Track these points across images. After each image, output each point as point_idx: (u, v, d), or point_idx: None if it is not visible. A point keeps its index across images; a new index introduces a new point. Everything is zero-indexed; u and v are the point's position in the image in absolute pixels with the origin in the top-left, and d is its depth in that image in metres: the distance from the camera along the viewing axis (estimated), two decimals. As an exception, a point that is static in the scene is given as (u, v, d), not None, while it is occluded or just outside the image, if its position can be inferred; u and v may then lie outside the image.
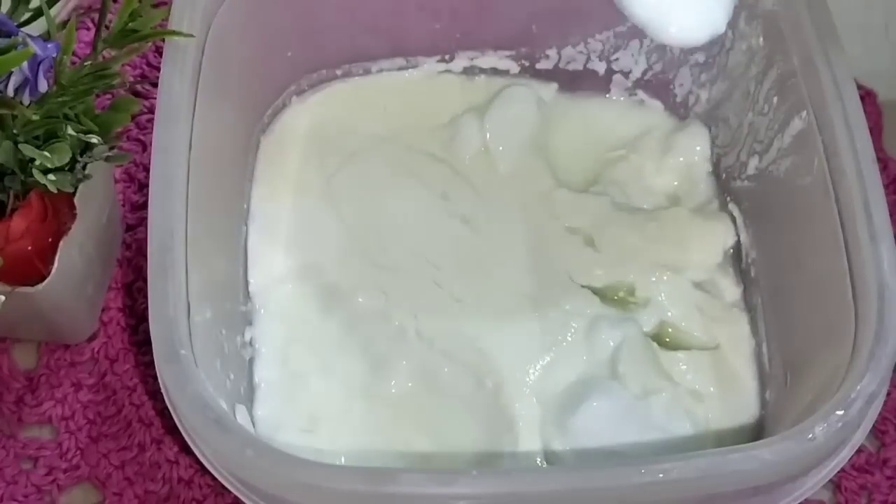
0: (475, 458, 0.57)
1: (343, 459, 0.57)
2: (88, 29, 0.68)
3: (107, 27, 0.52)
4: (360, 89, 0.67)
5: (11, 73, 0.48)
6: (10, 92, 0.49)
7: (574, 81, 0.68)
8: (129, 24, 0.51)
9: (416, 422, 0.58)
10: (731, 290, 0.62)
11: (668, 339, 0.61)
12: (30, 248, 0.54)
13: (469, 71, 0.68)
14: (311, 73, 0.66)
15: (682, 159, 0.66)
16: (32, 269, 0.54)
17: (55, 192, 0.52)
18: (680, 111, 0.67)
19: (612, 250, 0.63)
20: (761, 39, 0.60)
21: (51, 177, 0.52)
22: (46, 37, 0.50)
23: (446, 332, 0.60)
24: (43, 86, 0.50)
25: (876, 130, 0.69)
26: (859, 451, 0.55)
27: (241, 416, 0.55)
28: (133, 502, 0.58)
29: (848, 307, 0.50)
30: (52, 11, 0.51)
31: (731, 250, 0.63)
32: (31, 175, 0.52)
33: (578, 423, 0.57)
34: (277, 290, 0.61)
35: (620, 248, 0.63)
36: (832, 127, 0.53)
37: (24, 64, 0.48)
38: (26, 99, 0.50)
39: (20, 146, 0.51)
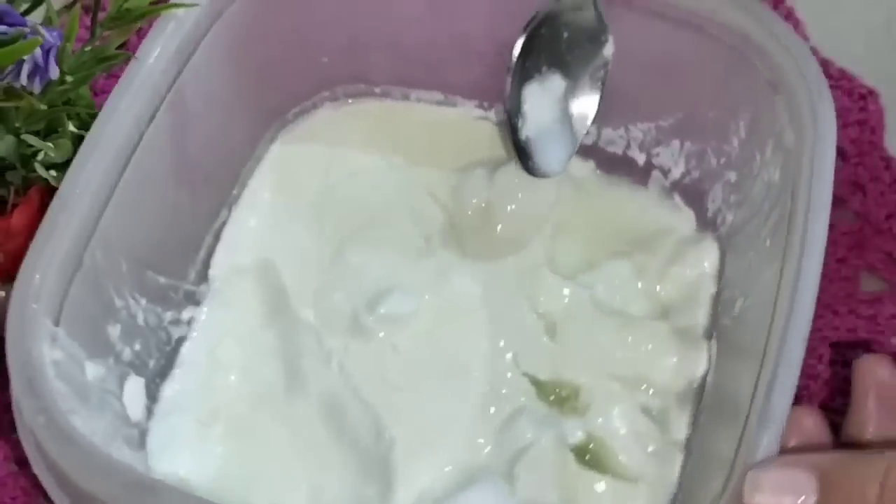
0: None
1: (216, 462, 0.56)
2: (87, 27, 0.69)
3: (103, 9, 0.53)
4: (393, 112, 0.66)
5: (23, 61, 0.49)
6: (24, 80, 0.50)
7: (612, 164, 0.65)
8: (125, 5, 0.53)
9: (303, 450, 0.57)
10: (679, 428, 0.57)
11: (588, 456, 0.57)
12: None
13: (505, 124, 0.65)
14: (349, 84, 0.66)
15: (686, 274, 0.61)
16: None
17: (57, 187, 0.53)
18: (709, 227, 0.62)
19: (571, 347, 0.59)
20: (777, 174, 0.55)
21: (52, 172, 0.53)
22: (47, 24, 0.51)
23: (368, 373, 0.58)
24: (55, 72, 0.50)
25: (878, 129, 0.67)
26: None
27: (133, 387, 0.55)
28: None
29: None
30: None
31: (696, 385, 0.58)
32: (33, 170, 0.53)
33: (449, 510, 0.54)
34: (234, 282, 0.61)
35: (581, 347, 0.59)
36: (782, 296, 0.49)
37: (37, 52, 0.49)
38: (37, 87, 0.50)
39: (23, 137, 0.52)
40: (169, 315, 0.59)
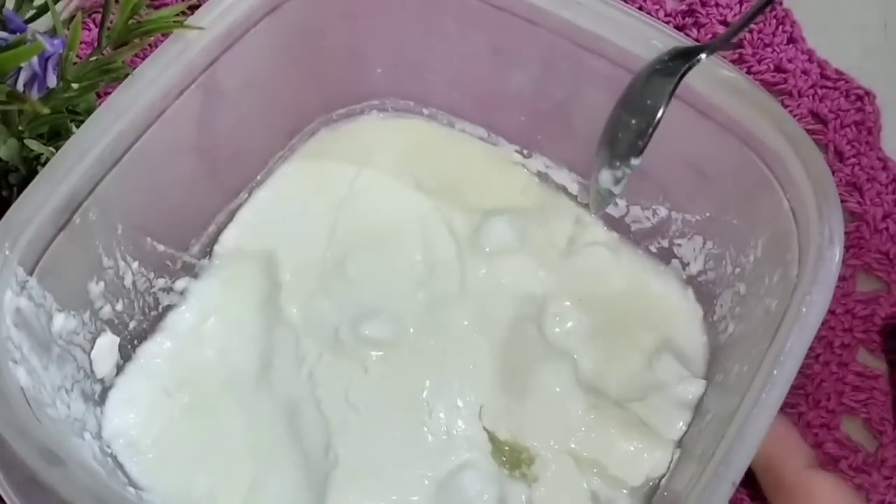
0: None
1: (168, 435, 0.57)
2: (89, 30, 0.69)
3: (108, 28, 0.53)
4: (436, 136, 0.66)
5: (21, 68, 0.50)
6: (20, 87, 0.51)
7: (637, 241, 0.63)
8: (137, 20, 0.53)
9: (256, 443, 0.58)
10: (627, 522, 0.57)
11: (524, 525, 0.56)
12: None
13: (542, 176, 0.65)
14: (399, 98, 0.66)
15: (673, 372, 0.60)
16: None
17: None
18: (711, 331, 0.61)
19: (538, 413, 0.58)
20: (775, 305, 0.53)
21: None
22: (51, 33, 0.52)
23: (333, 387, 0.59)
24: (52, 80, 0.51)
25: (875, 130, 0.68)
26: (856, 451, 0.60)
27: (105, 343, 0.56)
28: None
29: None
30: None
31: (653, 483, 0.57)
32: (36, 172, 0.53)
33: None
34: (237, 263, 0.62)
35: (548, 416, 0.58)
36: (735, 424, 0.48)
37: (34, 59, 0.50)
38: (35, 95, 0.51)
39: (26, 142, 0.54)
40: (161, 282, 0.60)
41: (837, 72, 0.70)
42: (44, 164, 0.53)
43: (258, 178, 0.64)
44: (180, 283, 0.61)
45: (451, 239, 0.63)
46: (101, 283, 0.55)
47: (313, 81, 0.63)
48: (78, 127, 0.52)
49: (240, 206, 0.63)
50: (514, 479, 0.57)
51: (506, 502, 0.56)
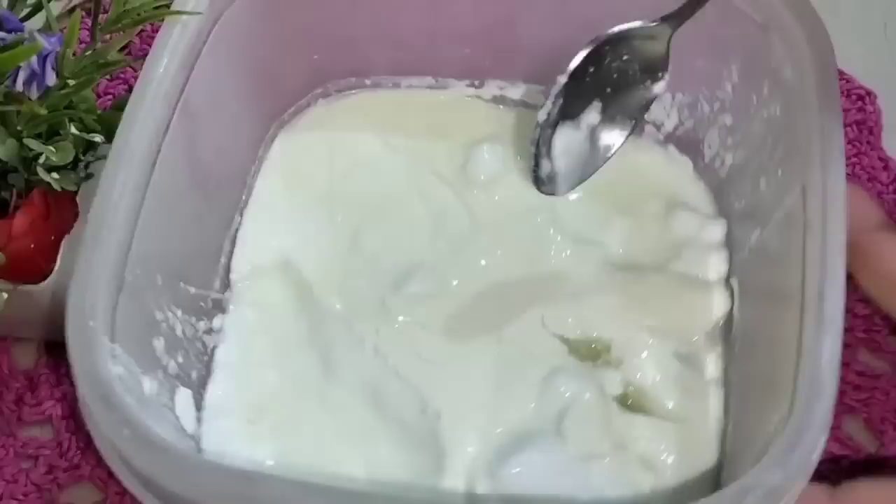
0: (400, 485, 0.56)
1: (273, 457, 0.57)
2: (88, 30, 0.69)
3: (104, 11, 0.53)
4: (387, 101, 0.67)
5: (19, 68, 0.49)
6: (20, 87, 0.50)
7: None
8: (125, 6, 0.53)
9: (351, 433, 0.58)
10: (713, 365, 0.59)
11: (631, 402, 0.58)
12: (32, 246, 0.56)
13: (499, 100, 0.67)
14: (340, 79, 0.67)
15: (690, 221, 0.63)
16: (35, 267, 0.56)
17: (59, 190, 0.54)
18: (707, 174, 0.64)
19: (593, 304, 0.61)
20: (779, 109, 0.57)
21: (54, 175, 0.54)
22: (47, 31, 0.51)
23: (403, 352, 0.59)
24: (51, 79, 0.50)
25: (876, 130, 0.69)
26: (858, 451, 0.59)
27: (182, 399, 0.55)
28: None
29: (787, 401, 0.47)
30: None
31: (723, 322, 0.60)
32: (35, 173, 0.53)
33: (507, 472, 0.55)
34: (258, 281, 0.62)
35: (603, 303, 0.60)
36: (812, 209, 0.50)
37: (33, 58, 0.49)
38: (34, 93, 0.50)
39: (25, 141, 0.52)
40: (202, 325, 0.59)
41: (838, 71, 0.70)
42: (43, 164, 0.52)
43: (243, 197, 0.64)
44: (217, 321, 0.60)
45: (443, 183, 0.65)
46: (162, 339, 0.55)
47: (262, 87, 0.63)
48: (76, 127, 0.52)
49: (237, 229, 0.63)
50: (599, 368, 0.59)
51: (604, 390, 0.58)
